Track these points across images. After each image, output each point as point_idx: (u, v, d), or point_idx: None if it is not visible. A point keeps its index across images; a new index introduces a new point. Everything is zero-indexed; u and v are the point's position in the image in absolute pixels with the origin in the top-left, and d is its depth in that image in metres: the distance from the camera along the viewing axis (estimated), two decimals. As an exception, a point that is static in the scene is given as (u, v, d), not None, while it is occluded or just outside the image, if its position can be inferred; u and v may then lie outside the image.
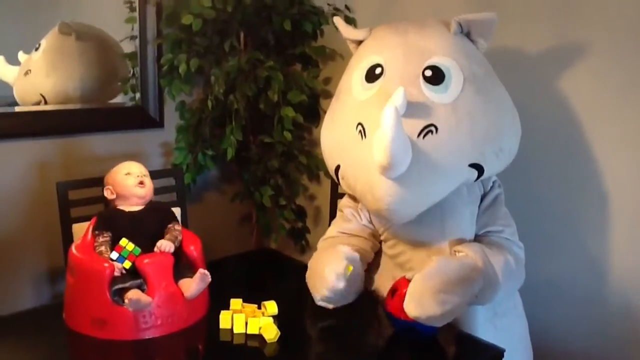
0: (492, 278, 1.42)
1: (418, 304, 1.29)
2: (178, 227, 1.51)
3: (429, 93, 1.41)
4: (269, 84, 2.17)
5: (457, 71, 1.44)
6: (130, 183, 1.52)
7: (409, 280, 1.35)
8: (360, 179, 1.45)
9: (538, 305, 1.80)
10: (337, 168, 1.54)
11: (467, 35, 1.51)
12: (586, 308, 1.76)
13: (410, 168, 1.32)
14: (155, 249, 1.41)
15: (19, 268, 2.02)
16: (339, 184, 1.57)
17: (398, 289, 1.36)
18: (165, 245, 1.42)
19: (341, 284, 1.43)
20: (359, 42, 1.62)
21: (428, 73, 1.43)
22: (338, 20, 1.66)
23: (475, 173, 1.44)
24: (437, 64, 1.44)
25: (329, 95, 2.38)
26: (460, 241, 1.51)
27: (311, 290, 1.52)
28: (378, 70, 1.48)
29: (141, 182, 1.53)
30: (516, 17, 1.78)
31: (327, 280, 1.44)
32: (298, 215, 2.41)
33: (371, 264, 1.66)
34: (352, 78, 1.55)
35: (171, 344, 1.36)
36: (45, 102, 2.04)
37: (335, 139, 1.56)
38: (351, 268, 1.45)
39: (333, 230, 1.68)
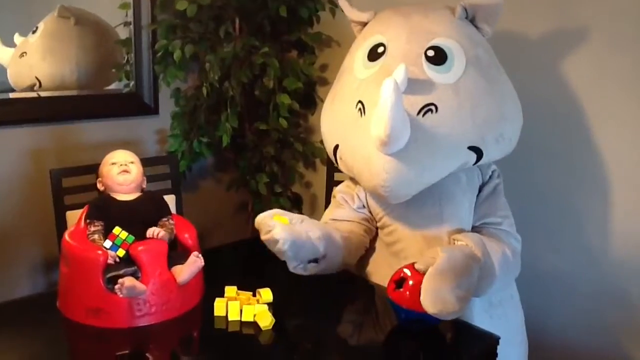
0: (490, 270, 1.41)
1: (437, 301, 1.26)
2: (172, 221, 1.50)
3: (431, 72, 1.42)
4: (264, 70, 2.16)
5: (460, 53, 1.44)
6: (114, 172, 1.51)
7: (417, 271, 1.33)
8: (357, 157, 1.44)
9: (536, 295, 1.80)
10: (336, 148, 1.54)
11: (472, 21, 1.51)
12: (585, 299, 1.77)
13: (408, 145, 1.32)
14: (149, 233, 1.41)
15: (13, 256, 2.02)
16: (337, 165, 1.57)
17: (405, 279, 1.33)
18: (158, 231, 1.41)
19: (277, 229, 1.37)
20: (364, 25, 1.63)
21: (430, 53, 1.43)
22: (343, 3, 1.68)
23: (474, 156, 1.43)
24: (440, 45, 1.44)
25: (325, 83, 2.37)
26: (458, 230, 1.50)
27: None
28: (380, 49, 1.49)
29: (123, 171, 1.52)
30: (516, 3, 1.76)
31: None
32: (294, 203, 2.40)
33: (367, 250, 1.65)
34: (355, 58, 1.56)
35: (166, 331, 1.36)
36: (40, 85, 2.03)
37: (334, 118, 1.56)
38: (281, 218, 1.42)
39: (325, 217, 1.67)
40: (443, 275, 1.29)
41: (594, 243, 1.73)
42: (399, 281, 1.34)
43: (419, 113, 1.37)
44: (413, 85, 1.39)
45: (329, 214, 1.67)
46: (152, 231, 1.42)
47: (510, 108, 1.49)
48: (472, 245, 1.40)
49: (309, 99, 2.37)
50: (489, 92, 1.44)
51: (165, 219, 1.50)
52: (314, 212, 2.50)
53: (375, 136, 1.31)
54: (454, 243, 1.45)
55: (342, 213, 1.64)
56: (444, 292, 1.27)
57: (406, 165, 1.36)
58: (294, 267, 1.48)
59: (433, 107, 1.38)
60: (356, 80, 1.51)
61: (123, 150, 1.60)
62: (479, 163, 1.46)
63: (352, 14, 1.65)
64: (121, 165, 1.52)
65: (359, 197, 1.65)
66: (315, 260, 1.51)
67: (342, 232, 1.56)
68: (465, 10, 1.49)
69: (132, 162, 1.55)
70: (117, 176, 1.51)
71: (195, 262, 1.39)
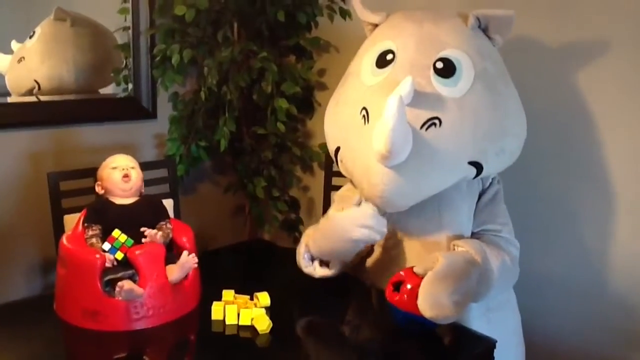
0: (489, 276, 1.41)
1: (435, 306, 1.27)
2: (169, 225, 1.51)
3: (438, 85, 1.40)
4: (262, 75, 2.16)
5: (468, 66, 1.42)
6: (116, 177, 1.51)
7: (415, 274, 1.34)
8: (358, 163, 1.44)
9: (533, 298, 1.80)
10: (337, 150, 1.54)
11: (484, 30, 1.50)
12: (582, 301, 1.77)
13: (409, 159, 1.32)
14: (146, 233, 1.41)
15: (10, 259, 2.01)
16: (338, 166, 1.57)
17: (404, 282, 1.34)
18: (154, 233, 1.41)
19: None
20: (375, 26, 1.61)
21: (439, 65, 1.42)
22: (356, 3, 1.64)
23: (474, 171, 1.43)
24: (449, 57, 1.42)
25: (323, 87, 2.38)
26: (458, 236, 1.51)
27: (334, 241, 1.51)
28: (389, 57, 1.47)
29: (126, 175, 1.52)
30: (518, 10, 1.76)
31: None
32: (291, 207, 2.40)
33: (366, 253, 1.65)
34: (363, 61, 1.54)
35: (163, 334, 1.36)
36: (39, 88, 2.03)
37: (338, 120, 1.56)
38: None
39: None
40: (441, 280, 1.30)
41: (590, 245, 1.74)
42: (397, 284, 1.35)
43: (422, 127, 1.36)
44: (419, 97, 1.37)
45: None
46: (149, 231, 1.41)
47: (513, 122, 1.48)
48: (472, 252, 1.41)
49: (307, 104, 2.37)
50: (494, 107, 1.43)
51: (163, 223, 1.50)
52: (311, 216, 2.50)
53: (376, 150, 1.31)
54: (455, 249, 1.45)
55: None
56: (441, 296, 1.27)
57: (404, 178, 1.35)
58: (306, 266, 1.54)
59: (437, 121, 1.37)
60: (362, 86, 1.50)
61: (123, 155, 1.60)
62: (479, 176, 1.47)
63: (364, 14, 1.62)
64: (123, 169, 1.53)
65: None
66: (327, 264, 1.54)
67: None
68: (478, 19, 1.47)
69: (132, 168, 1.55)
70: (120, 182, 1.51)
71: (187, 261, 1.40)
